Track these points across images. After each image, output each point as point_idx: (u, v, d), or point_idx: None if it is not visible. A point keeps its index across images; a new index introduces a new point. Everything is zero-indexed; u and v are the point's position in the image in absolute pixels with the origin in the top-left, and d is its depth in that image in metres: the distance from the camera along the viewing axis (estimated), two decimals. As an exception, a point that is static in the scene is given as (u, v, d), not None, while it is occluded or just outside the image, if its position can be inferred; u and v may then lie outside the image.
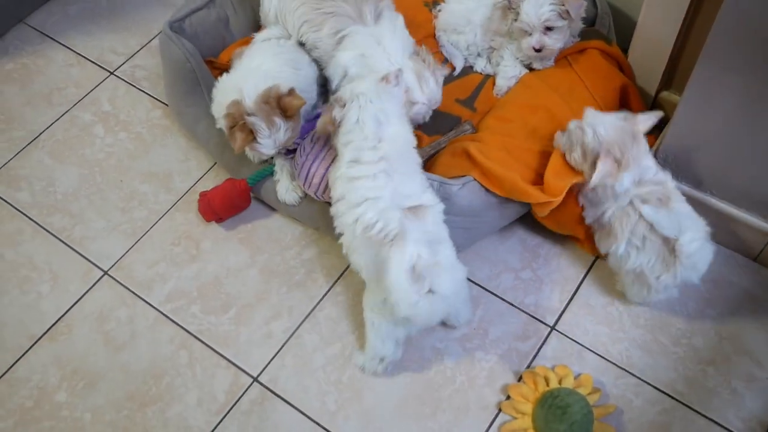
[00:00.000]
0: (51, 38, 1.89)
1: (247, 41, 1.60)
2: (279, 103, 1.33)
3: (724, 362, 1.35)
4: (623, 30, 1.62)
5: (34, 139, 1.71)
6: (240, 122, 1.32)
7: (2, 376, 1.37)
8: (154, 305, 1.45)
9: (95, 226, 1.57)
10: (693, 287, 1.39)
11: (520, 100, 1.52)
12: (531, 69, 1.58)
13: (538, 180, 1.38)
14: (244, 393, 1.34)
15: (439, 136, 1.55)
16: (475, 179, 1.37)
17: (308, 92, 1.47)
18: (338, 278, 1.46)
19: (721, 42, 1.14)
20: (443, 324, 1.38)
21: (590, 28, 1.60)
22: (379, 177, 1.23)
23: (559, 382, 1.30)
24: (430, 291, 1.15)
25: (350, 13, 1.48)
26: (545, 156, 1.39)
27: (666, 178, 1.32)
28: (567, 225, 1.43)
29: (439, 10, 1.70)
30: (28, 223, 1.57)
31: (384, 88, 1.30)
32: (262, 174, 1.50)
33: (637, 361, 1.35)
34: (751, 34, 1.10)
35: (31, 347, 1.40)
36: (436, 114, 1.56)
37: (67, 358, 1.39)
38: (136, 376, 1.37)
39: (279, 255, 1.51)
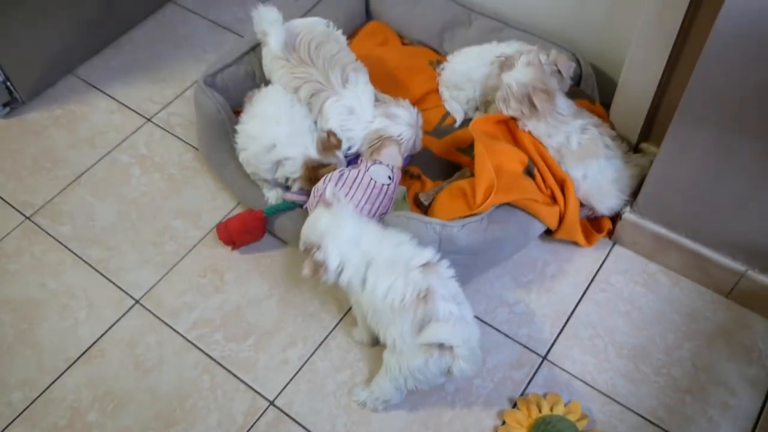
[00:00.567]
0: (95, 88, 1.96)
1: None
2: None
3: (700, 391, 1.37)
4: (605, 88, 1.66)
5: (77, 177, 1.77)
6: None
7: (40, 395, 1.41)
8: (181, 332, 1.48)
9: (129, 258, 1.61)
10: (671, 322, 1.45)
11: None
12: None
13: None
14: (261, 415, 1.36)
15: (440, 181, 1.61)
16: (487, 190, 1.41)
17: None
18: (348, 310, 1.48)
19: (694, 102, 1.20)
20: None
21: (576, 88, 1.65)
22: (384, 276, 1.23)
23: (551, 409, 1.33)
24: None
25: (320, 79, 1.54)
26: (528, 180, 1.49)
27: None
28: (571, 228, 1.51)
29: (443, 69, 1.73)
30: (68, 255, 1.62)
31: (336, 212, 1.25)
32: (279, 207, 1.54)
33: (621, 390, 1.38)
34: (719, 97, 1.17)
35: (66, 369, 1.44)
36: (439, 161, 1.63)
37: (99, 380, 1.42)
38: (162, 398, 1.39)
39: (296, 288, 1.54)
